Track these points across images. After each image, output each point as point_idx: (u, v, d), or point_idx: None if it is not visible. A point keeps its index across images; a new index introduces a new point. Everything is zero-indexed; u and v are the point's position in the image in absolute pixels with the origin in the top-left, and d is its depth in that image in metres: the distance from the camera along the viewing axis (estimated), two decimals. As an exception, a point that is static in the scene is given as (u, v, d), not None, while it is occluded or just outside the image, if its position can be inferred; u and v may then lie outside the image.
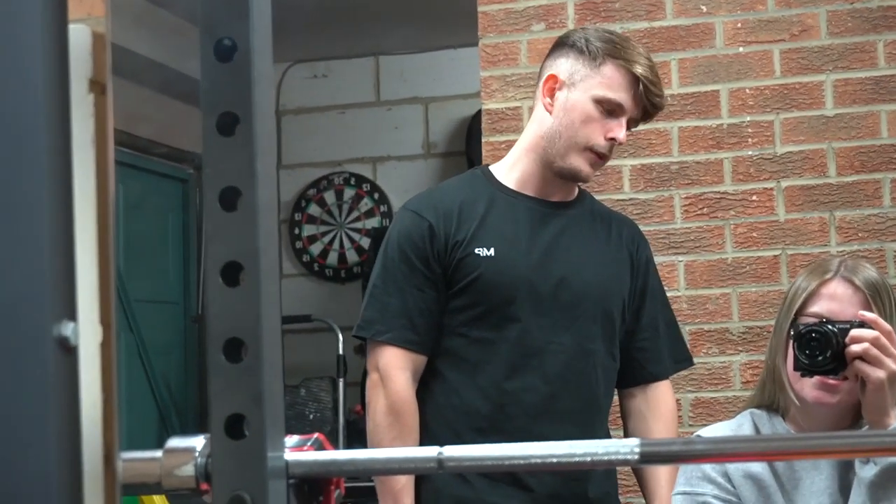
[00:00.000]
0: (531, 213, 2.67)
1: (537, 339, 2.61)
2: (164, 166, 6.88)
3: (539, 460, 1.02)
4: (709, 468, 2.33)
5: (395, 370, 2.59)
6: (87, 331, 0.73)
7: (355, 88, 7.23)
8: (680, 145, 3.74)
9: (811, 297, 2.31)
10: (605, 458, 1.00)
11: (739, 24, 3.73)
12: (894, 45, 3.65)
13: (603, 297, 2.69)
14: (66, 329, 0.65)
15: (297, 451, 1.05)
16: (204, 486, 1.01)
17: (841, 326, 2.21)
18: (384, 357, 2.59)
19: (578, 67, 2.61)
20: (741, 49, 3.73)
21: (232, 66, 0.87)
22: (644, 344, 2.81)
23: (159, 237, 6.92)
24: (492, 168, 2.75)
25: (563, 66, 2.64)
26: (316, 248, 7.28)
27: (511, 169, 2.71)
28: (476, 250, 2.59)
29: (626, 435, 2.80)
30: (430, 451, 1.01)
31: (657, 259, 3.73)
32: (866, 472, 2.16)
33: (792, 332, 2.26)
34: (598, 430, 2.71)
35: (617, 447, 0.99)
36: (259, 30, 0.88)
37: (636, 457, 0.98)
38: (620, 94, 2.59)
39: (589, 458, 1.00)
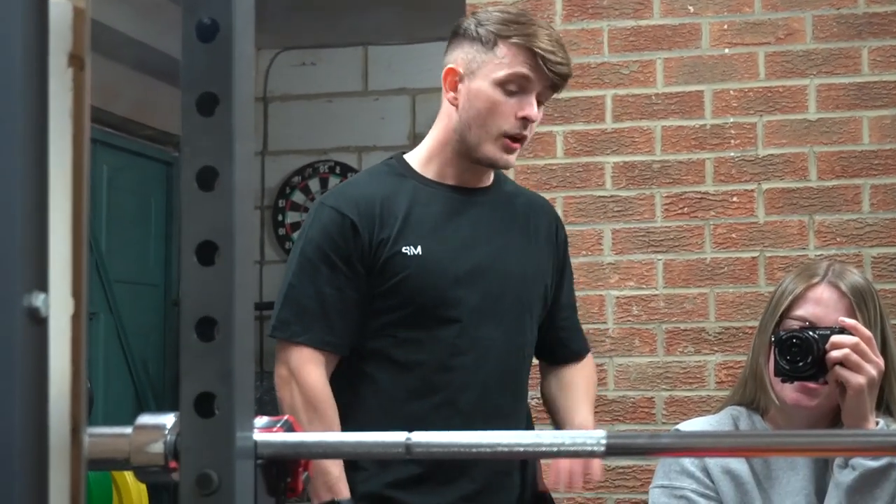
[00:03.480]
0: (452, 203, 2.60)
1: (468, 336, 2.54)
2: (147, 147, 6.87)
3: (506, 449, 1.03)
4: (688, 462, 2.34)
5: (307, 365, 2.50)
6: (59, 302, 0.73)
7: (343, 77, 7.22)
8: (663, 144, 3.75)
9: (797, 300, 2.33)
10: (572, 448, 1.01)
11: (726, 26, 3.75)
12: (878, 52, 3.66)
13: (527, 287, 2.65)
14: (37, 300, 0.66)
15: (266, 431, 1.06)
16: (172, 464, 1.01)
17: (822, 332, 2.23)
18: (296, 354, 2.51)
19: (474, 55, 2.55)
20: (727, 50, 3.74)
21: (213, 45, 0.87)
22: (565, 323, 2.79)
23: (142, 219, 6.90)
24: (407, 158, 2.67)
25: (460, 56, 2.58)
26: (299, 235, 7.28)
27: (429, 161, 2.64)
28: (403, 249, 2.51)
29: (552, 412, 2.78)
30: (398, 437, 1.02)
31: (637, 257, 3.75)
32: (844, 476, 2.17)
33: (773, 338, 2.28)
34: (524, 421, 2.68)
35: (584, 438, 1.00)
36: (241, 10, 0.88)
37: (602, 448, 0.99)
38: (520, 71, 2.50)
39: (556, 449, 1.01)
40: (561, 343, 2.79)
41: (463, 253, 2.57)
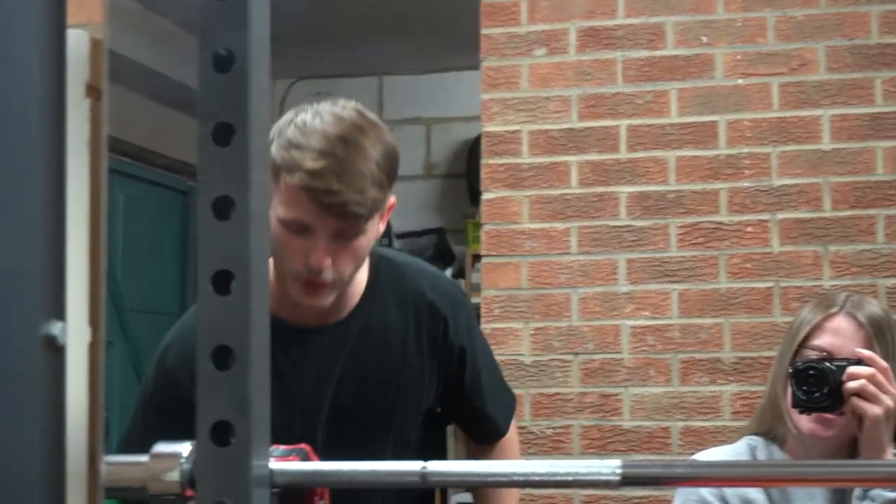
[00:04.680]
0: (294, 345, 2.26)
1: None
2: (163, 177, 6.90)
3: (521, 478, 1.03)
4: (705, 492, 2.33)
5: None
6: (76, 331, 0.74)
7: (357, 107, 7.24)
8: (677, 174, 3.75)
9: (815, 329, 2.33)
10: (588, 478, 1.00)
11: (739, 56, 3.75)
12: (892, 83, 3.66)
13: (391, 421, 2.36)
14: (55, 328, 0.66)
15: (282, 460, 1.06)
16: (188, 493, 1.01)
17: (838, 363, 2.23)
18: None
19: (270, 179, 2.06)
20: (740, 81, 3.75)
21: (229, 76, 0.88)
22: (475, 411, 2.51)
23: (157, 248, 6.93)
24: None
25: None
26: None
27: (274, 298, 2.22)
28: None
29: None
30: (414, 466, 1.02)
31: (652, 286, 3.74)
32: None
33: (790, 369, 2.28)
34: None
35: (599, 468, 1.00)
36: (257, 41, 0.89)
37: (618, 478, 0.99)
38: (294, 211, 2.07)
39: (571, 478, 1.01)
40: (476, 427, 2.57)
41: (309, 403, 2.28)
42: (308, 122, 2.09)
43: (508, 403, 2.62)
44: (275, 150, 2.08)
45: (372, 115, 2.21)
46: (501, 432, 2.58)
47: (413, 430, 2.39)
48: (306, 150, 2.05)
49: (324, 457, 1.16)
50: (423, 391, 2.38)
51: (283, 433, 1.95)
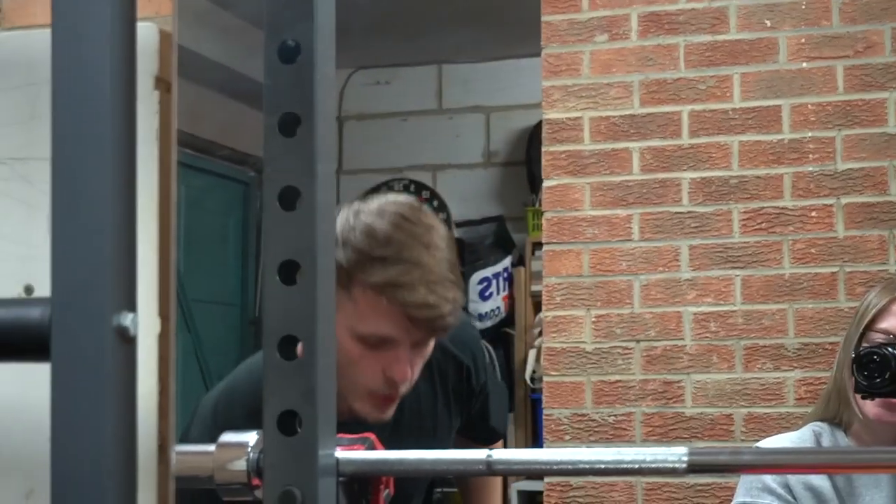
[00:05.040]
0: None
1: None
2: (225, 168, 6.94)
3: (587, 466, 1.03)
4: (769, 479, 2.33)
5: None
6: (146, 322, 0.75)
7: (417, 96, 7.25)
8: (740, 159, 3.73)
9: (881, 313, 2.32)
10: (654, 465, 1.00)
11: (803, 40, 3.72)
12: (960, 64, 3.62)
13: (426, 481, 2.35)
14: (126, 319, 0.67)
15: (347, 449, 1.07)
16: (255, 482, 1.02)
17: (902, 348, 2.22)
18: None
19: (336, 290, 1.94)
20: (804, 64, 3.71)
21: (295, 67, 0.88)
22: (482, 424, 2.51)
23: (219, 239, 6.97)
24: None
25: None
26: (373, 254, 7.27)
27: None
28: None
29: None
30: (479, 454, 1.02)
31: (714, 273, 3.72)
32: None
33: (853, 355, 2.27)
34: None
35: (665, 455, 0.99)
36: (322, 32, 0.89)
37: (684, 465, 0.98)
38: (377, 326, 1.92)
39: (637, 466, 1.01)
40: (473, 437, 2.52)
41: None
42: (378, 226, 1.91)
43: (504, 405, 2.64)
44: (345, 259, 1.89)
45: (419, 204, 2.09)
46: (500, 437, 2.64)
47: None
48: (389, 262, 1.89)
49: None
50: (449, 437, 2.34)
51: None
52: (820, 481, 2.30)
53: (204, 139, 6.47)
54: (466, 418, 2.43)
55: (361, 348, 1.94)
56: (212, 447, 1.07)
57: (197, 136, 6.37)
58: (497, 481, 2.64)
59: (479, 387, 2.37)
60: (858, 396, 2.28)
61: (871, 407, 2.27)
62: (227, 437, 1.07)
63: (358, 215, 1.94)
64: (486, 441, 2.59)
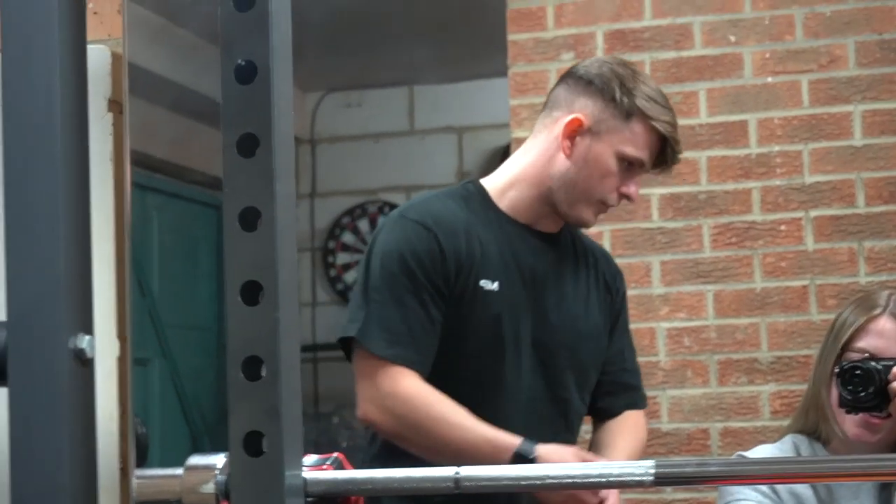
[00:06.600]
0: (526, 245, 2.49)
1: (512, 382, 2.42)
2: (197, 192, 6.92)
3: (554, 481, 1.03)
4: (762, 488, 2.33)
5: (404, 379, 2.34)
6: (105, 345, 0.74)
7: (389, 117, 7.25)
8: (709, 174, 3.74)
9: (858, 332, 2.33)
10: (620, 479, 1.00)
11: (768, 55, 3.74)
12: (924, 76, 3.64)
13: (581, 345, 2.52)
14: (82, 342, 0.67)
15: (315, 469, 1.06)
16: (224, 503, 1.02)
17: (885, 363, 2.23)
18: (389, 371, 2.34)
19: (606, 117, 2.41)
20: (769, 79, 3.73)
21: (252, 87, 0.88)
22: (622, 376, 2.64)
23: (192, 263, 6.95)
24: (484, 184, 2.53)
25: (589, 109, 2.43)
26: (350, 277, 7.25)
27: (504, 192, 2.50)
28: (481, 283, 2.39)
29: None
30: (447, 472, 1.02)
31: (686, 288, 3.73)
32: None
33: (836, 369, 2.28)
34: None
35: (632, 468, 0.99)
36: (279, 51, 0.89)
37: (651, 478, 0.99)
38: (644, 153, 2.43)
39: (604, 479, 1.01)
40: (601, 397, 2.63)
41: (531, 300, 2.46)
42: (646, 80, 2.51)
43: (641, 380, 2.75)
44: (635, 92, 2.43)
45: None
46: (642, 402, 2.70)
47: (594, 374, 2.59)
48: (664, 108, 2.45)
49: None
50: (602, 323, 2.60)
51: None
52: (803, 488, 2.31)
53: (157, 158, 6.42)
54: (610, 333, 2.62)
55: (617, 167, 2.43)
56: (179, 470, 1.06)
57: (150, 156, 6.32)
58: (631, 436, 2.63)
59: (620, 293, 2.68)
60: (839, 413, 2.29)
61: (851, 426, 2.28)
62: (195, 459, 1.06)
63: (624, 65, 2.53)
64: (627, 405, 2.63)
